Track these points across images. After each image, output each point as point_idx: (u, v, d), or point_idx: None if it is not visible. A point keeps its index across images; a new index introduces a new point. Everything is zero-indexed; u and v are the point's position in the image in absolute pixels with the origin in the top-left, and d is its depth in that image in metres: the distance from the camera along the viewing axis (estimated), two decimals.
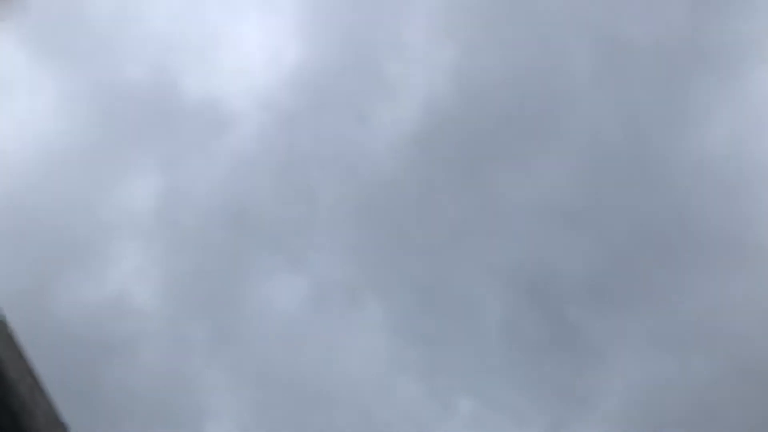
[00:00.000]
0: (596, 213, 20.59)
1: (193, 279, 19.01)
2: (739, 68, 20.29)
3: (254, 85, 20.24)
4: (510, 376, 19.56)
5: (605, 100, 20.77)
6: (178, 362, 17.98)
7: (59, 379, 16.26)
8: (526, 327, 20.04)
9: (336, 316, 19.43)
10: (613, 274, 20.47)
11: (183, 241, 19.25)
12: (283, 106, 20.11)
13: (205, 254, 19.42)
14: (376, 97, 20.48)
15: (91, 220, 18.63)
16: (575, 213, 20.58)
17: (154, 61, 19.98)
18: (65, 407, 16.24)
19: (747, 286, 19.56)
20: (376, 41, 20.76)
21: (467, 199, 20.52)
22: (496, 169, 20.62)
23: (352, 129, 20.40)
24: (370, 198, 20.29)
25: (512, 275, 20.43)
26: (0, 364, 4.81)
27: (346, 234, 20.32)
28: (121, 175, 19.33)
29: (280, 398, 18.36)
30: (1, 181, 17.43)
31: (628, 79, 20.66)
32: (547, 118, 20.64)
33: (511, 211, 20.55)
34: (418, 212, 20.34)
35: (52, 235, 18.12)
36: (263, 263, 19.84)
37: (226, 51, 20.71)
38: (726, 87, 20.30)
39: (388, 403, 18.97)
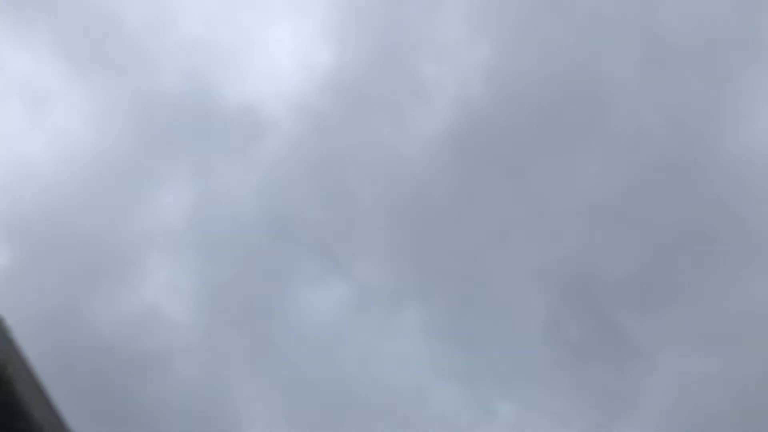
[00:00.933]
0: (640, 211, 20.35)
1: (229, 289, 19.00)
2: None
3: (289, 90, 20.23)
4: (551, 378, 19.37)
5: (649, 95, 20.58)
6: (213, 373, 17.99)
7: (94, 391, 15.86)
8: (569, 328, 19.87)
9: (375, 321, 19.48)
10: (657, 273, 20.21)
11: (218, 251, 19.24)
12: (318, 110, 20.06)
13: (241, 263, 19.43)
14: (411, 99, 20.39)
15: (126, 231, 18.66)
16: (619, 211, 20.36)
17: (188, 69, 20.06)
18: (100, 419, 15.81)
19: None
20: (410, 43, 20.72)
21: (508, 200, 20.44)
22: (536, 168, 20.46)
23: (388, 131, 20.26)
24: (408, 200, 20.19)
25: (555, 276, 20.23)
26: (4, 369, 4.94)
27: (385, 237, 20.20)
28: (155, 184, 19.36)
29: (317, 405, 18.30)
30: (37, 192, 17.21)
31: (672, 75, 20.49)
32: (590, 116, 20.48)
33: (553, 211, 20.34)
34: (457, 214, 20.18)
35: (87, 247, 18.14)
36: (302, 269, 19.89)
37: (260, 56, 20.82)
38: None
39: (425, 409, 18.85)
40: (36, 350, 16.69)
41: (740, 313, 19.51)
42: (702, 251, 20.12)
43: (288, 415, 18.24)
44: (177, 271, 18.56)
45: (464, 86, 20.33)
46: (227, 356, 18.33)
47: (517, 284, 20.20)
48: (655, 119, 20.55)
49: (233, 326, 18.56)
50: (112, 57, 19.65)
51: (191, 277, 18.68)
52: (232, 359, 18.40)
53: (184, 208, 19.19)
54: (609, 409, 19.33)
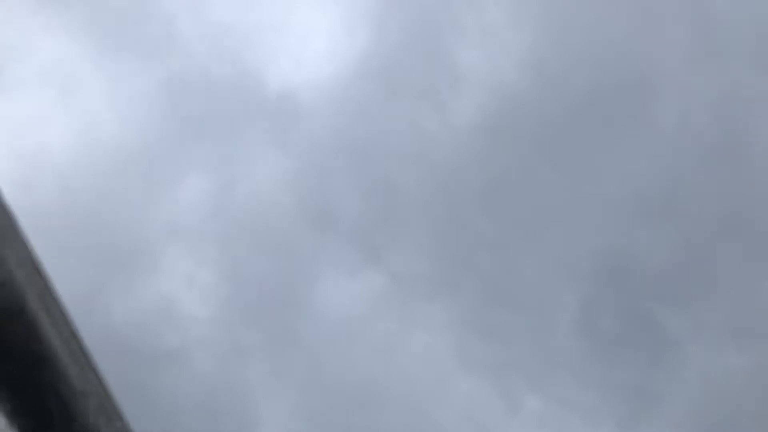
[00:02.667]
0: (681, 202, 20.13)
1: (252, 282, 19.04)
2: None
3: (323, 75, 20.12)
4: (581, 372, 19.25)
5: (697, 86, 20.16)
6: (232, 369, 18.03)
7: (110, 386, 15.60)
8: (602, 321, 19.71)
9: (402, 314, 19.67)
10: (695, 266, 20.03)
11: (242, 243, 19.17)
12: (353, 96, 19.91)
13: (267, 255, 19.38)
14: (448, 85, 20.19)
15: (147, 222, 18.71)
16: (658, 202, 20.18)
17: (221, 54, 19.95)
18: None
19: None
20: (447, 26, 20.46)
21: (544, 189, 20.23)
22: (575, 157, 20.36)
23: (425, 118, 20.08)
24: (444, 189, 20.09)
25: (589, 267, 20.09)
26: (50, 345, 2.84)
27: (418, 227, 20.17)
28: (180, 173, 19.34)
29: (338, 402, 18.24)
30: (54, 180, 16.86)
31: (721, 65, 20.08)
32: (634, 105, 20.26)
33: (590, 201, 20.26)
34: (492, 203, 20.10)
35: (106, 238, 18.19)
36: (330, 260, 19.79)
37: (293, 40, 20.57)
38: None
39: (450, 403, 18.83)
40: None
41: None
42: (741, 245, 19.90)
43: (308, 411, 18.16)
44: (198, 264, 18.66)
45: (503, 72, 20.14)
46: (247, 352, 18.25)
47: (550, 275, 20.06)
48: (701, 110, 20.16)
49: (254, 321, 18.52)
50: (145, 41, 19.59)
51: (212, 271, 18.63)
52: (252, 355, 18.32)
53: (209, 198, 19.15)
54: (638, 404, 19.15)
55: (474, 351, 19.24)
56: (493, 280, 20.09)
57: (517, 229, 20.14)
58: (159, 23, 19.41)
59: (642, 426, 19.03)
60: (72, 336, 4.85)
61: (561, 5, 20.26)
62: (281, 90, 19.86)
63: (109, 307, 17.30)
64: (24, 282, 4.12)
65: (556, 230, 20.19)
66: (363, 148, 20.09)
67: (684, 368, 19.27)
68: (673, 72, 20.13)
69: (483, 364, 19.15)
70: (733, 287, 19.74)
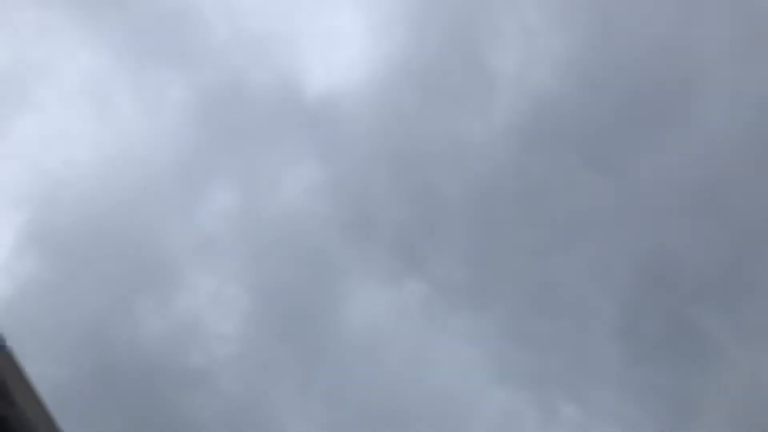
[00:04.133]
0: (722, 201, 19.92)
1: (279, 297, 19.20)
2: None
3: (361, 82, 20.22)
4: (620, 379, 19.09)
5: (741, 86, 20.09)
6: (257, 386, 17.98)
7: (136, 403, 15.49)
8: (641, 326, 19.57)
9: (438, 324, 19.43)
10: (737, 267, 19.76)
11: (273, 256, 19.23)
12: (391, 103, 20.07)
13: (295, 268, 19.41)
14: (487, 90, 20.26)
15: (178, 237, 18.79)
16: (699, 202, 19.99)
17: (257, 62, 20.19)
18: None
19: None
20: (487, 32, 20.54)
21: (582, 192, 20.18)
22: (613, 159, 20.35)
23: (463, 123, 20.15)
24: (483, 195, 20.09)
25: (631, 272, 19.92)
26: (6, 389, 5.37)
27: (455, 234, 20.14)
28: (213, 187, 19.53)
29: (370, 416, 18.01)
30: (89, 199, 16.83)
31: (762, 58, 20.18)
32: (673, 102, 20.22)
33: (630, 203, 20.19)
34: (531, 208, 20.17)
35: (137, 255, 18.22)
36: (367, 271, 19.87)
37: (330, 48, 20.81)
38: None
39: (485, 414, 18.61)
40: (78, 362, 16.26)
41: None
42: None
43: (335, 427, 17.98)
44: (226, 280, 18.87)
45: (542, 75, 20.18)
46: (273, 368, 18.26)
47: (590, 281, 19.97)
48: (744, 109, 20.01)
49: (282, 337, 18.63)
50: (182, 52, 19.84)
51: (241, 286, 18.85)
52: (278, 371, 18.27)
53: (240, 211, 19.28)
54: (679, 411, 18.76)
55: (511, 360, 19.19)
56: (531, 287, 19.96)
57: (556, 234, 20.00)
58: (196, 34, 19.72)
59: (681, 430, 18.53)
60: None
61: (601, 6, 20.42)
62: (319, 98, 20.01)
63: (137, 324, 17.37)
64: None
65: (596, 234, 20.08)
66: (401, 154, 20.08)
67: (727, 374, 18.86)
68: (716, 71, 20.03)
69: (520, 373, 19.09)
70: None
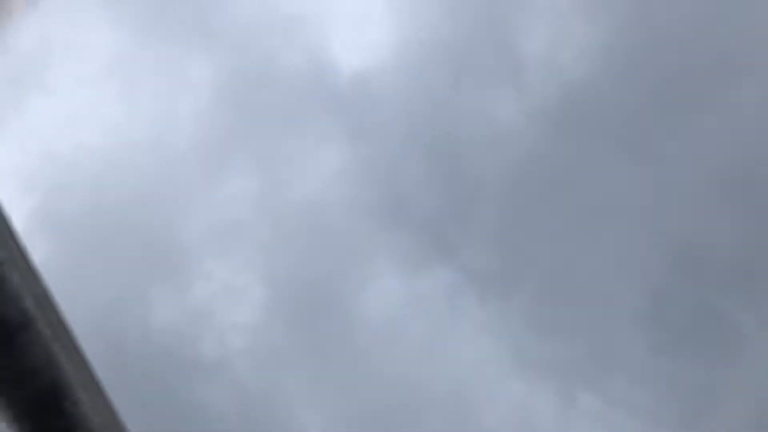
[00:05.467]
0: (756, 188, 19.66)
1: (300, 284, 19.08)
2: None
3: (391, 63, 19.92)
4: (642, 370, 18.90)
5: None
6: (272, 377, 18.02)
7: (147, 392, 15.60)
8: (667, 316, 19.32)
9: (454, 313, 19.17)
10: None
11: (293, 242, 19.10)
12: (422, 86, 19.88)
13: (317, 256, 19.23)
14: (518, 71, 20.05)
15: (194, 223, 18.75)
16: (731, 189, 19.73)
17: (285, 41, 19.83)
18: (153, 420, 15.52)
19: None
20: (515, 11, 20.24)
21: (612, 178, 20.02)
22: (644, 144, 19.97)
23: (493, 105, 19.95)
24: (513, 179, 19.93)
25: (656, 260, 19.68)
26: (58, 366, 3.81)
27: (486, 220, 19.98)
28: (235, 170, 19.31)
29: (384, 408, 18.18)
30: (91, 180, 16.77)
31: None
32: (709, 86, 19.83)
33: (659, 190, 19.89)
34: (560, 193, 19.99)
35: (149, 241, 18.23)
36: (389, 258, 19.60)
37: (359, 27, 20.37)
38: None
39: (501, 405, 18.65)
40: (88, 350, 16.24)
41: None
42: None
43: (351, 419, 18.08)
44: (243, 266, 18.84)
45: (574, 58, 19.91)
46: (287, 358, 18.21)
47: (618, 269, 19.74)
48: None
49: (298, 326, 18.58)
50: (206, 31, 19.57)
51: (257, 272, 18.73)
52: (293, 361, 18.23)
53: (259, 196, 19.16)
54: (702, 404, 18.70)
55: (531, 349, 19.10)
56: (556, 275, 19.88)
57: (584, 220, 19.92)
58: (223, 13, 19.49)
59: (704, 427, 18.53)
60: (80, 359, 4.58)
61: None
62: (347, 80, 19.79)
63: (150, 311, 17.35)
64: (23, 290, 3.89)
65: (625, 221, 19.94)
66: (432, 138, 20.00)
67: (752, 367, 18.80)
68: (754, 56, 19.69)
69: (539, 362, 19.01)
70: None
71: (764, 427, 18.32)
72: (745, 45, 19.67)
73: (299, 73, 19.61)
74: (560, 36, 19.99)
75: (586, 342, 19.17)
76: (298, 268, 18.65)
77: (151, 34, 19.04)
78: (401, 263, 19.39)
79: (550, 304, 19.60)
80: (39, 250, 16.90)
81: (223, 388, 17.22)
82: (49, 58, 18.26)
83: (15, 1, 17.50)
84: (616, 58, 19.92)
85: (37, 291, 4.26)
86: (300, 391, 17.91)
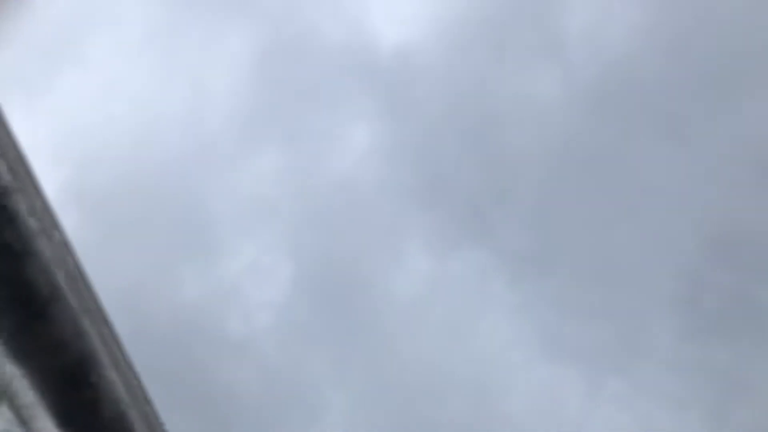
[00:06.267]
0: None
1: (330, 264, 19.23)
2: None
3: (432, 41, 20.01)
4: (672, 355, 19.00)
5: None
6: (298, 356, 18.02)
7: (174, 369, 15.67)
8: (701, 300, 19.39)
9: (493, 294, 18.80)
10: None
11: (326, 221, 19.16)
12: (462, 62, 19.92)
13: (353, 234, 19.31)
14: (558, 50, 20.20)
15: (226, 199, 18.82)
16: None
17: (321, 15, 20.05)
18: (178, 397, 15.58)
19: None
20: None
21: (651, 158, 20.05)
22: (684, 125, 20.15)
23: (534, 85, 20.03)
24: (552, 159, 19.99)
25: (697, 245, 19.77)
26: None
27: (524, 200, 20.07)
28: (270, 145, 19.38)
29: (410, 391, 18.14)
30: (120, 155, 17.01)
31: None
32: (752, 67, 19.87)
33: (704, 173, 20.01)
34: (598, 174, 20.12)
35: (177, 217, 18.39)
36: (421, 237, 19.71)
37: (399, 4, 20.61)
38: None
39: (527, 388, 18.78)
40: (116, 325, 16.34)
41: None
42: None
43: (375, 399, 18.18)
44: (269, 246, 18.67)
45: (616, 36, 20.04)
46: (314, 338, 18.33)
47: (654, 252, 19.83)
48: None
49: (325, 307, 18.59)
50: (251, 4, 19.75)
51: (284, 253, 18.85)
52: (319, 341, 18.36)
53: (292, 173, 19.22)
54: (730, 390, 18.81)
55: (560, 333, 19.21)
56: (591, 257, 20.01)
57: (622, 202, 19.97)
58: None
59: (734, 415, 18.45)
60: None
61: None
62: (386, 56, 19.87)
63: (177, 288, 17.49)
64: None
65: (663, 203, 20.04)
66: (471, 115, 20.03)
67: None
68: None
69: (568, 346, 19.10)
70: None
71: None
72: None
73: (338, 47, 19.68)
74: (603, 14, 20.03)
75: (617, 326, 19.27)
76: (327, 246, 18.73)
77: (189, 7, 19.13)
78: (432, 244, 19.44)
79: (583, 287, 19.64)
80: (68, 224, 17.00)
81: (249, 366, 17.36)
82: (83, 31, 18.36)
83: None
84: (658, 37, 19.90)
85: (69, 265, 4.40)
86: (325, 369, 18.05)
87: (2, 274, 4.09)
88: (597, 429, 18.07)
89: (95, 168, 17.18)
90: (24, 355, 4.16)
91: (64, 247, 4.25)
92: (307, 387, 17.43)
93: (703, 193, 19.88)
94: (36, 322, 4.18)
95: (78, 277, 4.49)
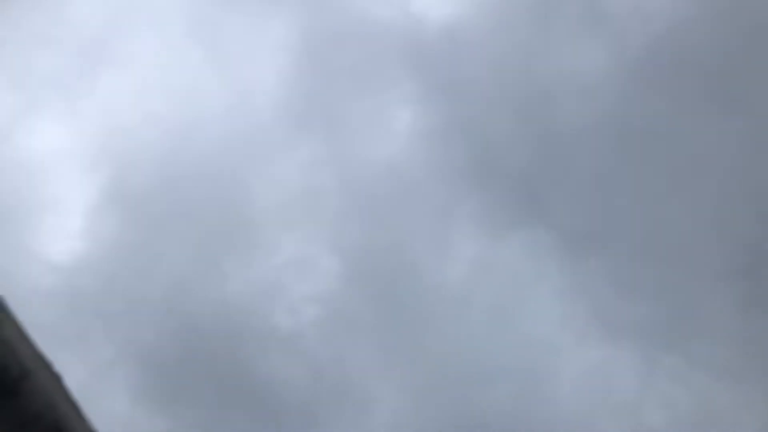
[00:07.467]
0: None
1: (374, 252, 19.03)
2: None
3: (478, 16, 19.92)
4: (728, 328, 18.75)
5: None
6: (343, 349, 18.09)
7: (218, 363, 15.93)
8: (757, 271, 19.06)
9: (544, 275, 19.09)
10: None
11: (367, 210, 19.13)
12: (509, 39, 19.88)
13: (399, 219, 19.26)
14: (606, 22, 20.09)
15: (267, 192, 18.78)
16: None
17: None
18: (223, 391, 15.83)
19: None
20: None
21: (705, 131, 19.80)
22: (740, 95, 19.82)
23: (583, 59, 19.87)
24: (602, 132, 19.91)
25: (753, 219, 19.46)
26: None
27: (576, 178, 20.05)
28: (309, 133, 19.31)
29: (458, 380, 18.13)
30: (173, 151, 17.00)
31: None
32: None
33: (758, 143, 19.65)
34: (651, 147, 19.86)
35: (220, 213, 18.42)
36: (472, 221, 19.67)
37: None
38: None
39: (577, 371, 18.70)
40: (161, 325, 16.65)
41: None
42: None
43: (424, 393, 18.15)
44: (314, 238, 18.81)
45: (665, 4, 19.91)
46: (360, 330, 18.38)
47: (709, 226, 19.54)
48: None
49: (372, 298, 18.56)
50: None
51: (330, 244, 18.77)
52: (366, 333, 18.41)
53: (333, 162, 19.27)
54: None
55: (613, 310, 19.06)
56: (645, 231, 19.80)
57: (675, 174, 19.84)
58: None
59: None
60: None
61: None
62: (433, 35, 19.69)
63: (222, 284, 17.72)
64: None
65: (716, 174, 19.82)
66: (521, 93, 19.90)
67: None
68: None
69: (621, 324, 19.00)
70: None
71: None
72: None
73: (385, 27, 19.69)
74: None
75: (672, 301, 19.24)
76: (374, 235, 18.80)
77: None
78: (483, 226, 19.45)
79: (637, 262, 19.60)
80: (109, 226, 17.36)
81: (297, 360, 17.48)
82: (123, 30, 18.60)
83: None
84: (709, 4, 19.73)
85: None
86: (373, 361, 18.13)
87: None
88: (653, 407, 18.09)
89: (137, 167, 17.49)
90: None
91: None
92: (356, 379, 17.62)
93: (758, 163, 19.78)
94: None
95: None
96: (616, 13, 19.90)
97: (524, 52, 19.83)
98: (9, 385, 4.17)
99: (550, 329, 18.66)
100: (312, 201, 18.70)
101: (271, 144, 18.76)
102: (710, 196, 19.73)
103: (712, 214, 19.66)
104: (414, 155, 19.23)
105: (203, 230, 17.81)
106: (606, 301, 19.11)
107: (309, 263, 18.38)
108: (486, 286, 19.08)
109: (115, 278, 16.38)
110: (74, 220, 16.87)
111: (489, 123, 19.69)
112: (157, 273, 16.66)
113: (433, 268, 18.86)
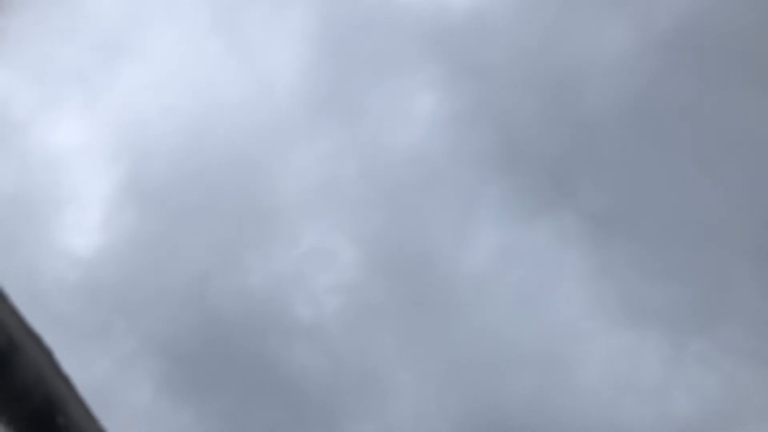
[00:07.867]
0: None
1: (399, 240, 19.07)
2: None
3: (500, 2, 19.71)
4: (757, 312, 18.65)
5: None
6: (365, 341, 18.11)
7: (240, 355, 15.97)
8: None
9: (570, 261, 18.63)
10: None
11: (391, 198, 19.18)
12: (536, 21, 19.71)
13: (423, 205, 19.29)
14: (629, 2, 19.82)
15: (291, 181, 18.79)
16: None
17: None
18: (244, 381, 15.92)
19: None
20: None
21: (741, 112, 19.52)
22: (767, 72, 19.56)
23: (611, 39, 19.74)
24: (633, 113, 19.68)
25: None
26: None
27: (604, 162, 19.99)
28: (332, 123, 19.29)
29: (484, 370, 18.11)
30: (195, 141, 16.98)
31: None
32: None
33: None
34: (683, 132, 19.70)
35: (241, 204, 18.47)
36: (505, 207, 19.66)
37: None
38: None
39: (601, 357, 18.67)
40: (183, 317, 16.69)
41: None
42: None
43: (447, 382, 18.20)
44: (337, 228, 18.76)
45: None
46: (382, 319, 18.33)
47: (739, 209, 19.42)
48: None
49: (395, 287, 18.57)
50: None
51: (352, 234, 18.71)
52: (388, 323, 18.36)
53: (357, 149, 19.17)
54: None
55: (640, 295, 19.02)
56: (674, 213, 19.70)
57: (705, 155, 19.72)
58: None
59: None
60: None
61: None
62: (459, 17, 19.55)
63: (243, 275, 17.66)
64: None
65: (747, 155, 19.65)
66: (546, 74, 19.77)
67: None
68: None
69: (648, 308, 18.94)
70: None
71: None
72: None
73: (407, 12, 19.58)
74: None
75: (700, 285, 19.15)
76: (395, 223, 18.77)
77: None
78: (509, 211, 19.36)
79: (665, 245, 19.46)
80: (130, 218, 17.42)
81: (319, 351, 17.54)
82: (142, 22, 18.61)
83: None
84: None
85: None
86: (395, 351, 18.12)
87: None
88: (680, 393, 18.00)
89: (157, 159, 17.54)
90: None
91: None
92: (378, 369, 17.62)
93: None
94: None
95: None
96: None
97: (550, 35, 19.74)
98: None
99: (577, 314, 18.70)
100: (333, 190, 18.73)
101: (292, 134, 18.78)
102: (740, 177, 19.61)
103: (742, 196, 19.55)
104: (437, 142, 19.20)
105: (224, 222, 17.86)
106: (633, 285, 19.11)
107: (331, 253, 18.40)
108: (511, 272, 19.07)
109: (136, 271, 16.48)
110: (94, 213, 16.98)
111: (514, 107, 19.65)
112: (177, 265, 16.75)
113: (455, 256, 18.85)
